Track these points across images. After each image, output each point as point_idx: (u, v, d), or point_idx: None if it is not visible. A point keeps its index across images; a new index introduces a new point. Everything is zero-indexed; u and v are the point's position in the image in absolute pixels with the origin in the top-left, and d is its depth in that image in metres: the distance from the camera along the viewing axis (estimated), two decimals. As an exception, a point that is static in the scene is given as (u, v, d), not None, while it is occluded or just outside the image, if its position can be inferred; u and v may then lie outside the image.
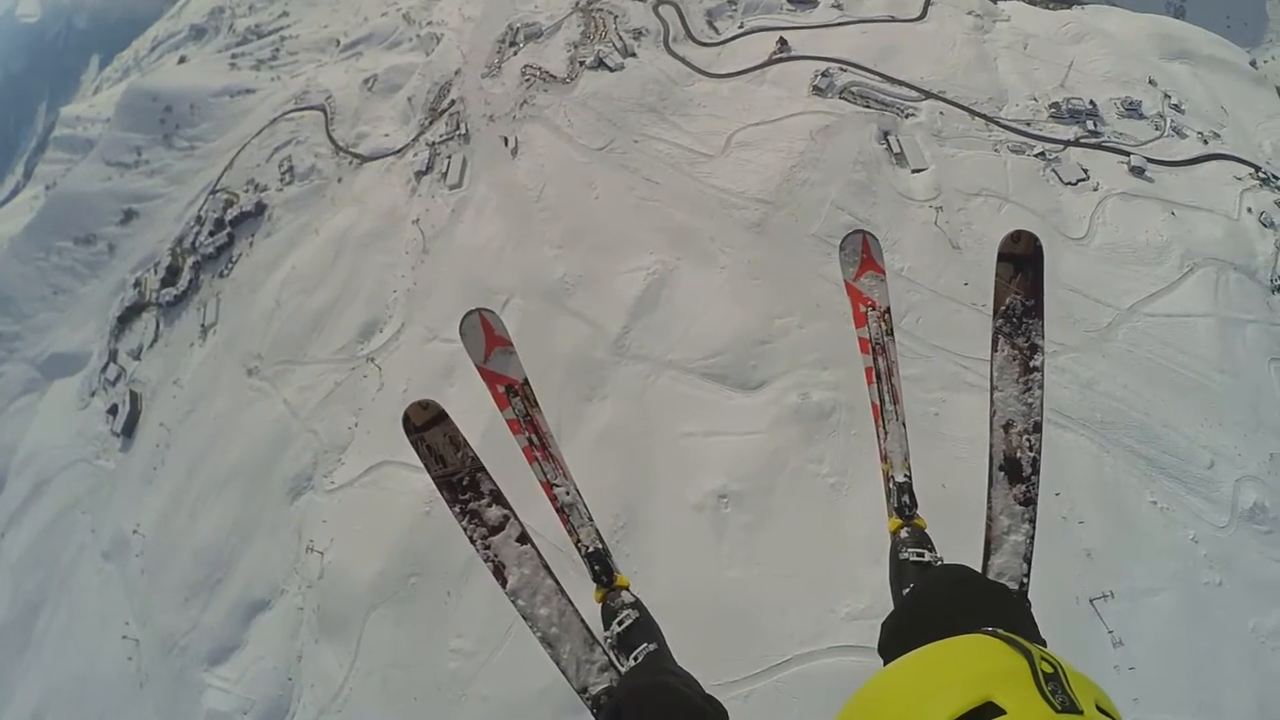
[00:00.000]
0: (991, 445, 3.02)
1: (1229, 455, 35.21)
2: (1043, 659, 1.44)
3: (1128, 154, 43.46)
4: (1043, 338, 3.02)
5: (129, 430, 49.19)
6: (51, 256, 60.50)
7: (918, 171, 42.94)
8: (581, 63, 50.95)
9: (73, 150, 71.47)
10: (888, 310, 3.67)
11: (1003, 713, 1.33)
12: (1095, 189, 42.26)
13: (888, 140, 44.00)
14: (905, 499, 3.37)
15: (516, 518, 3.07)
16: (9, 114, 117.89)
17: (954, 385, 37.49)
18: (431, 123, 52.93)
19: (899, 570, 3.16)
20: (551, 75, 51.11)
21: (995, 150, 43.81)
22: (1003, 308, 3.02)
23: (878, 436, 3.63)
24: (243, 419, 45.24)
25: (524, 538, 3.06)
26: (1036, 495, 2.95)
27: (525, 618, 3.03)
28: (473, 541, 3.04)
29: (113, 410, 50.51)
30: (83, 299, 58.86)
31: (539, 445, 3.30)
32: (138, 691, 41.89)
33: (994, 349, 3.08)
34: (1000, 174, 42.80)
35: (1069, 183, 42.50)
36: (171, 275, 54.10)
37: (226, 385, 47.13)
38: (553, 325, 41.44)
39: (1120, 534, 32.61)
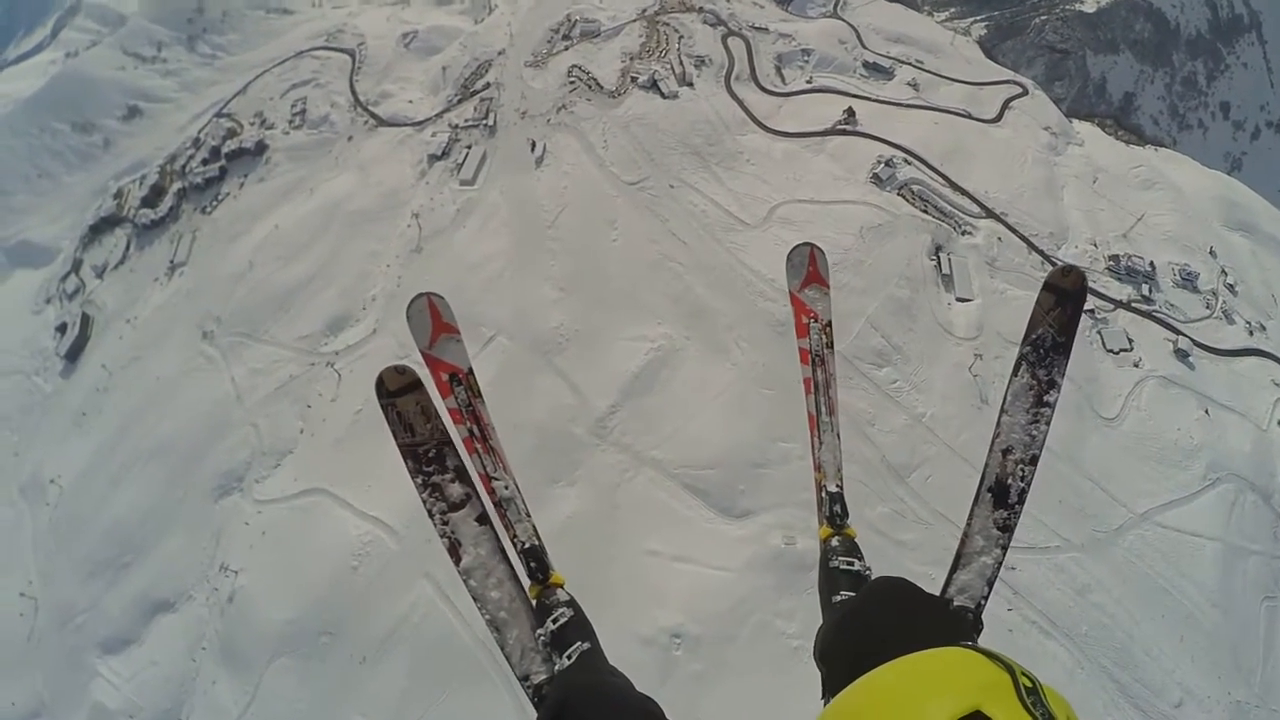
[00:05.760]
0: (986, 465, 2.42)
1: (1199, 696, 26.41)
2: (1022, 674, 1.23)
3: (1177, 332, 32.63)
4: (1063, 375, 2.38)
5: (73, 356, 36.94)
6: (45, 136, 45.81)
7: (963, 301, 31.66)
8: (634, 78, 37.48)
9: (103, 22, 54.87)
10: (829, 324, 3.05)
11: None
12: (1137, 364, 31.62)
13: (938, 257, 32.35)
14: (837, 508, 2.79)
15: (479, 497, 2.43)
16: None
17: (948, 561, 27.50)
18: (460, 101, 39.16)
19: (829, 578, 2.59)
20: (599, 84, 37.62)
21: (1046, 295, 32.50)
22: (1033, 336, 2.39)
23: (812, 446, 2.96)
24: (185, 388, 33.38)
25: (483, 518, 2.43)
26: (1015, 525, 2.37)
27: (475, 599, 2.38)
28: (431, 515, 2.39)
29: (61, 329, 37.96)
30: (66, 190, 44.78)
31: (480, 437, 2.54)
32: (26, 655, 31.38)
33: (1014, 373, 2.44)
34: (1045, 325, 31.64)
35: (1111, 350, 31.71)
36: (154, 195, 40.49)
37: (178, 342, 34.90)
38: (535, 382, 30.03)
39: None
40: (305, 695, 26.69)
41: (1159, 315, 33.26)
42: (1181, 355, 32.37)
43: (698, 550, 26.94)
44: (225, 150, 39.85)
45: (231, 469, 30.93)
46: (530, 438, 28.83)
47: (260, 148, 39.42)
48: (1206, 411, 31.26)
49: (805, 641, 25.48)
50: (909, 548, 27.26)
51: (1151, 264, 34.43)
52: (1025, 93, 39.55)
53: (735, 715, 24.41)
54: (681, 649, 25.52)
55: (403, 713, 25.76)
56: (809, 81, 38.25)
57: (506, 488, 2.47)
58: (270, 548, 28.69)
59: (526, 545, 2.46)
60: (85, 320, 37.14)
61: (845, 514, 2.77)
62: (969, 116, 37.59)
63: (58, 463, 33.87)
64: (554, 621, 2.29)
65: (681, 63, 37.75)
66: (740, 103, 36.93)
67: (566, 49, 39.28)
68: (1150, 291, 33.89)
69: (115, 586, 30.72)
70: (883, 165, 34.25)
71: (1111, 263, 34.10)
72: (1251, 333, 34.24)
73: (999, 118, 38.04)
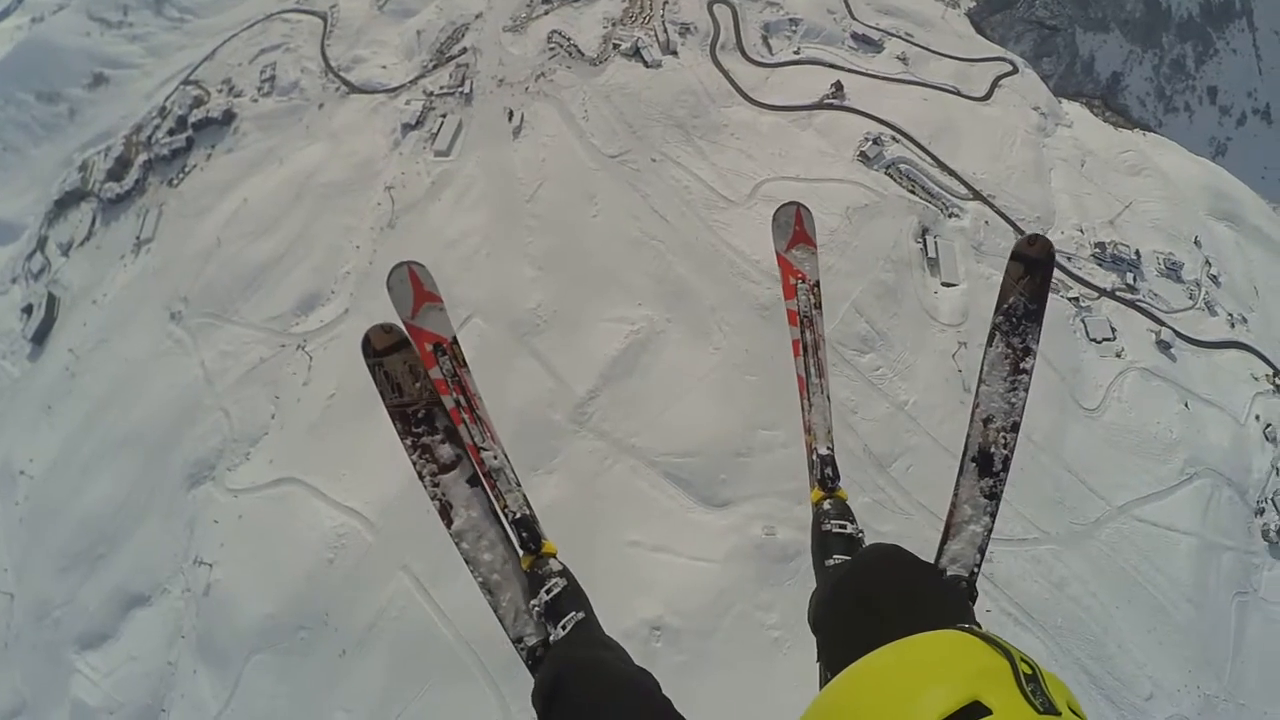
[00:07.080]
0: (969, 436, 2.31)
1: (1169, 690, 25.51)
2: (1022, 660, 1.12)
3: (1160, 323, 30.87)
4: (1038, 342, 2.27)
5: (39, 339, 33.97)
6: (10, 108, 41.62)
7: (948, 286, 29.62)
8: (616, 45, 34.28)
9: (70, -19, 49.65)
10: (817, 284, 2.83)
11: (989, 712, 1.02)
12: (1119, 354, 29.92)
13: (925, 240, 30.14)
14: (828, 471, 2.63)
15: (469, 459, 2.23)
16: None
17: (929, 553, 25.88)
18: (436, 67, 35.72)
19: (821, 541, 2.49)
20: (580, 51, 34.41)
21: (1031, 281, 30.38)
22: (1005, 306, 2.27)
23: (802, 409, 2.79)
24: (154, 373, 30.75)
25: (474, 480, 2.24)
26: (1001, 492, 2.27)
27: (468, 561, 2.21)
28: (421, 478, 2.23)
29: (28, 310, 34.85)
30: (31, 163, 40.90)
31: (466, 407, 2.27)
32: (4, 652, 29.24)
33: (989, 344, 2.32)
34: (1030, 311, 29.61)
35: (1095, 339, 29.92)
36: (120, 168, 36.92)
37: (145, 323, 32.05)
38: (512, 365, 27.79)
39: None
40: (286, 690, 25.01)
41: (1143, 305, 31.45)
42: (1164, 346, 30.69)
43: (679, 541, 25.29)
44: (192, 120, 36.21)
45: (203, 457, 28.59)
46: (507, 423, 26.63)
47: (228, 116, 35.86)
48: (1186, 405, 29.76)
49: (785, 633, 24.20)
50: (890, 539, 25.65)
51: (1137, 252, 32.44)
52: (1015, 70, 36.83)
53: (716, 707, 23.02)
54: (661, 641, 24.05)
55: (385, 707, 24.22)
56: (796, 53, 35.22)
57: (495, 458, 2.25)
58: (244, 539, 26.65)
59: (517, 515, 2.22)
60: (51, 301, 34.06)
61: (836, 476, 2.62)
62: (958, 93, 34.92)
63: (27, 451, 31.32)
64: (547, 592, 2.09)
65: (666, 30, 34.53)
66: (726, 73, 33.95)
67: (546, 13, 35.80)
68: (1135, 280, 31.98)
69: (90, 580, 28.55)
70: (870, 143, 31.71)
71: (1097, 250, 32.08)
72: (1233, 325, 32.55)
73: (989, 96, 35.41)
